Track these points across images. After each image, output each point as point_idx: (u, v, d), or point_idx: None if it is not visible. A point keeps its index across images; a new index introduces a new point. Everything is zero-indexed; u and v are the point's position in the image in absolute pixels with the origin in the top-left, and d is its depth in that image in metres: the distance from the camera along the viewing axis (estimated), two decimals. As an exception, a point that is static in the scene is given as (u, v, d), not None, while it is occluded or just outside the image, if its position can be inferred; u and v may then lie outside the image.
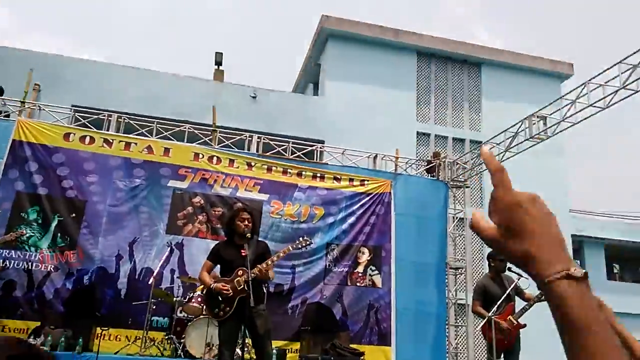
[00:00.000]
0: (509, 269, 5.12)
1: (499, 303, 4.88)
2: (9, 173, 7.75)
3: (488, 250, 14.20)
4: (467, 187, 10.69)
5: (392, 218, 9.10)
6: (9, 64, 11.18)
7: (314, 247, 8.62)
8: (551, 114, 8.63)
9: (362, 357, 7.43)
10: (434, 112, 15.00)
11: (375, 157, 10.23)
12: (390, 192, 9.31)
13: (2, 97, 9.09)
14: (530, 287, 5.19)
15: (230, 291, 4.01)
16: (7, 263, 7.40)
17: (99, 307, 7.26)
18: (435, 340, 8.77)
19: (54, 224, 7.79)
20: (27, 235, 7.61)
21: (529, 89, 14.74)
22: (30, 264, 7.50)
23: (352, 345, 7.74)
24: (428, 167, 10.47)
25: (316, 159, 9.96)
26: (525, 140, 8.90)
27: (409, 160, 10.46)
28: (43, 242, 7.70)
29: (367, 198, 9.18)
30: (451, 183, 10.11)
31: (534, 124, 8.67)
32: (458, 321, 10.76)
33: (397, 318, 8.54)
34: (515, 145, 9.11)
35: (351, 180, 9.26)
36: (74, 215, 7.89)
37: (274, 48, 54.33)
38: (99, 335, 6.26)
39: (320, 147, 10.25)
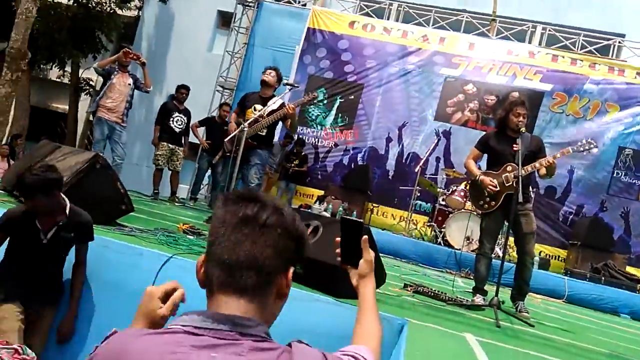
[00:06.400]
0: None
1: None
2: (303, 58, 8.80)
3: None
4: None
5: None
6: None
7: (601, 149, 7.47)
8: None
9: (639, 286, 6.49)
10: None
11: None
12: None
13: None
14: None
15: (497, 187, 3.84)
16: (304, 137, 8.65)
17: (370, 185, 8.03)
18: None
19: (335, 105, 8.70)
20: (315, 114, 8.74)
21: None
22: (316, 139, 8.68)
23: (629, 269, 6.83)
24: None
25: (612, 56, 8.27)
26: None
27: None
28: (327, 120, 8.74)
29: (683, 100, 7.33)
30: None
31: None
32: None
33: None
34: None
35: (662, 78, 7.46)
36: (352, 97, 8.64)
37: None
38: (370, 209, 6.96)
39: (620, 42, 8.41)
